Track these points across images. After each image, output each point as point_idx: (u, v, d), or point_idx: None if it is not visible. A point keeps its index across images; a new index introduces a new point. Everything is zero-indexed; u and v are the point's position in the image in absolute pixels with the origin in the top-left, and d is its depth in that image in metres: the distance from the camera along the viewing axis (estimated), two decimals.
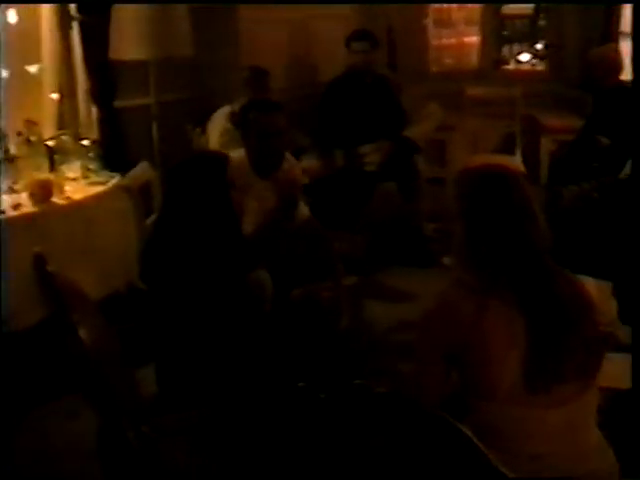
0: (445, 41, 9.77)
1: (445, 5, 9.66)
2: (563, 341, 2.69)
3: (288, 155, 4.88)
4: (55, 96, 6.64)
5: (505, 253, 2.76)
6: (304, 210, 4.99)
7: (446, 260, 6.57)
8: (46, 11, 6.63)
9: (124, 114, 6.89)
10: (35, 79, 6.59)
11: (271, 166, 4.65)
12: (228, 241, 3.45)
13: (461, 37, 9.81)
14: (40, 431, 4.71)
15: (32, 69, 6.53)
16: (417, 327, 2.92)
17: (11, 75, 6.34)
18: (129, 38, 6.15)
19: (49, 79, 6.69)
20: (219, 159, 3.56)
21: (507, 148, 8.11)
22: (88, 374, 3.03)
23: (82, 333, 2.96)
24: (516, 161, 7.20)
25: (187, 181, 3.41)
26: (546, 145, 7.85)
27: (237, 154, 4.52)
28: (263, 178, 4.69)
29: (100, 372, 3.01)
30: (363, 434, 2.37)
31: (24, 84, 6.54)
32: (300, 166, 5.24)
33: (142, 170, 5.64)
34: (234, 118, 6.26)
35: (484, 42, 9.29)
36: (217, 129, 6.28)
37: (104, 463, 3.35)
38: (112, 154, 6.12)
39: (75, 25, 6.64)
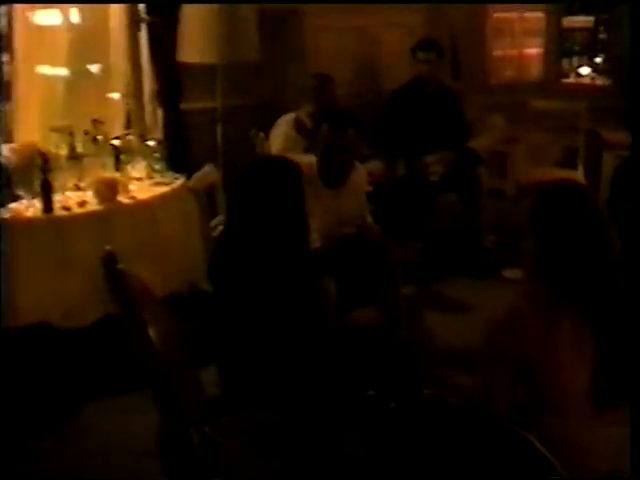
0: (505, 52, 9.70)
1: (505, 15, 9.59)
2: (632, 358, 2.67)
3: (357, 164, 4.91)
4: (116, 96, 6.71)
5: (577, 267, 2.74)
6: (368, 219, 5.01)
7: (505, 272, 6.54)
8: (115, 12, 6.71)
9: (189, 116, 6.95)
10: (97, 79, 6.67)
11: (339, 178, 4.69)
12: (297, 247, 3.45)
13: (521, 49, 9.74)
14: (96, 428, 4.73)
15: (94, 69, 6.61)
16: (485, 339, 2.91)
17: (73, 74, 6.43)
18: (197, 41, 6.19)
19: (113, 79, 6.78)
20: (295, 166, 3.57)
21: (569, 162, 8.04)
22: (156, 373, 3.06)
23: (151, 332, 2.98)
24: (578, 176, 7.15)
25: (264, 184, 3.42)
26: (608, 161, 7.76)
27: (305, 160, 4.55)
28: (330, 187, 4.72)
29: (168, 371, 3.03)
30: (434, 445, 2.36)
31: (87, 83, 6.62)
32: (366, 176, 5.25)
33: (208, 172, 5.68)
34: (298, 125, 6.30)
35: (546, 54, 9.23)
36: (281, 135, 6.31)
37: (164, 462, 3.37)
38: (176, 155, 6.16)
39: (143, 27, 6.72)
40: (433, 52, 7.03)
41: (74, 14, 6.48)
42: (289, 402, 3.18)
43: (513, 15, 9.35)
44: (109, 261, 3.15)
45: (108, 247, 3.22)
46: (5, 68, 6.41)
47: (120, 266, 3.13)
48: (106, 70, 6.72)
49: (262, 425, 3.16)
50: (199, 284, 5.45)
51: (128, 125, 6.83)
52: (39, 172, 5.08)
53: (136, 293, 3.10)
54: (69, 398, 5.00)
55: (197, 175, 5.56)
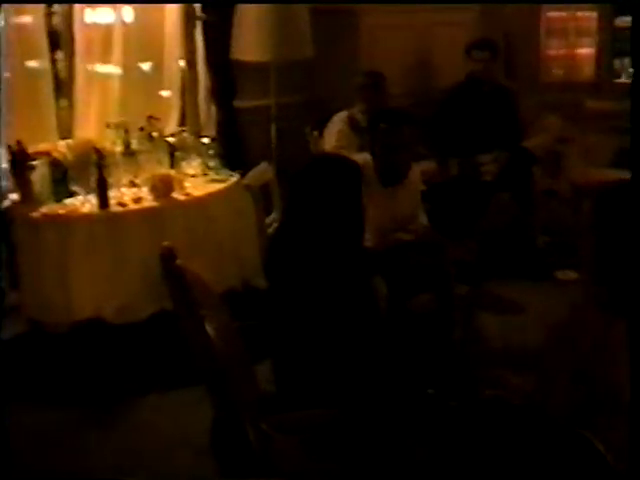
0: (558, 52, 9.61)
1: (558, 14, 9.51)
2: None
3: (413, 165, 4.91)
4: (167, 93, 6.75)
5: (636, 269, 2.71)
6: (423, 219, 4.99)
7: (558, 274, 6.49)
8: (169, 10, 6.75)
9: (243, 114, 6.97)
10: (149, 76, 6.71)
11: (396, 177, 4.69)
12: (353, 246, 3.44)
13: (573, 48, 9.65)
14: (149, 423, 4.75)
15: (145, 67, 6.65)
16: (545, 340, 2.89)
17: (126, 72, 6.48)
18: (251, 40, 6.21)
19: (165, 77, 6.82)
20: (354, 164, 3.56)
21: (622, 163, 7.95)
22: (213, 369, 3.06)
23: (209, 329, 2.99)
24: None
25: (323, 182, 3.41)
26: None
27: (361, 158, 4.55)
28: (386, 186, 4.72)
29: (225, 368, 3.03)
30: (494, 444, 2.35)
31: (139, 81, 6.66)
32: (420, 176, 5.24)
33: (263, 170, 5.69)
34: (352, 123, 6.29)
35: (598, 54, 9.14)
36: (335, 133, 6.30)
37: (218, 457, 3.37)
38: (230, 153, 6.18)
39: (199, 24, 6.76)
40: (487, 51, 6.98)
41: (127, 12, 6.54)
42: (344, 399, 3.18)
43: (566, 15, 9.25)
44: (168, 257, 3.15)
45: (167, 243, 3.21)
46: (60, 65, 6.50)
47: (179, 262, 3.13)
48: (157, 68, 6.76)
49: (317, 422, 3.15)
50: (252, 281, 5.48)
51: (182, 122, 6.88)
52: (95, 168, 5.13)
53: (195, 289, 3.10)
54: (123, 394, 5.02)
55: (253, 172, 5.57)
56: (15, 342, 5.66)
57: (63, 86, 6.53)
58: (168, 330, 5.06)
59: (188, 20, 6.80)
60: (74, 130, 6.43)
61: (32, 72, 6.40)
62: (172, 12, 6.79)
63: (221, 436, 3.35)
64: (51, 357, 5.35)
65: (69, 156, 5.34)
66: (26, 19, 6.30)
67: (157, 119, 5.86)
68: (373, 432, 3.04)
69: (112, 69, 6.53)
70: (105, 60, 6.50)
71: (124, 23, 6.53)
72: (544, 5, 8.87)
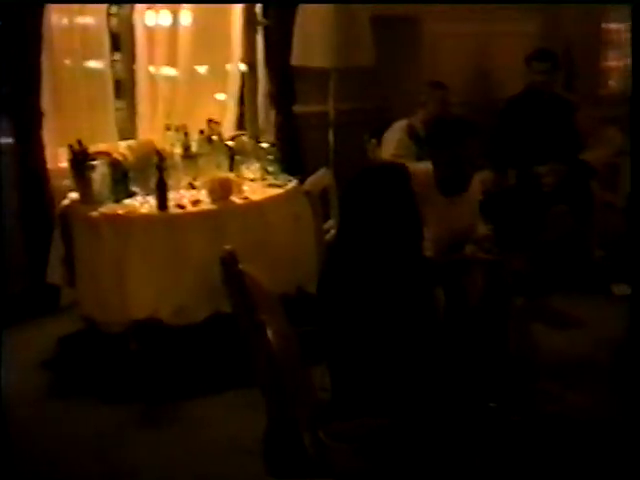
0: (617, 63, 9.54)
1: (614, 25, 9.43)
2: None
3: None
4: (222, 97, 6.78)
5: None
6: (482, 229, 4.97)
7: (614, 288, 6.42)
8: (227, 14, 6.80)
9: (302, 119, 6.99)
10: (204, 79, 6.76)
11: (457, 187, 4.67)
12: (412, 255, 3.43)
13: (627, 60, 9.57)
14: (202, 424, 4.77)
15: (201, 70, 6.69)
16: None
17: (182, 74, 6.54)
18: (312, 46, 6.22)
19: (220, 80, 6.86)
20: (405, 171, 3.55)
21: None
22: (271, 374, 3.07)
23: (269, 334, 2.99)
24: None
25: (375, 189, 3.41)
26: None
27: (423, 167, 4.54)
28: (446, 196, 4.70)
29: (283, 373, 3.03)
30: (559, 461, 2.33)
31: (195, 84, 6.71)
32: (480, 184, 5.21)
33: (322, 176, 5.69)
34: (411, 132, 6.28)
35: None
36: (394, 141, 6.30)
37: (269, 461, 3.38)
38: (289, 158, 6.19)
39: (260, 29, 6.79)
40: (548, 62, 6.93)
41: (185, 16, 6.59)
42: (400, 409, 3.17)
43: (622, 26, 9.18)
44: (230, 261, 3.16)
45: (228, 247, 3.22)
46: (117, 67, 6.58)
47: (241, 266, 3.14)
48: (214, 71, 6.80)
49: (373, 431, 3.14)
50: (306, 287, 5.47)
51: (240, 126, 6.92)
52: (155, 170, 5.16)
53: (255, 294, 3.11)
54: (176, 394, 5.05)
55: (312, 178, 5.58)
56: (71, 340, 5.73)
57: (120, 87, 6.60)
58: (223, 332, 5.13)
59: (249, 25, 6.84)
60: (132, 131, 6.51)
61: (92, 72, 6.48)
62: (232, 16, 6.84)
63: (274, 441, 3.35)
64: (106, 355, 5.39)
65: (130, 157, 5.38)
66: (88, 20, 6.37)
67: (217, 123, 5.88)
68: (429, 444, 3.02)
69: (170, 71, 6.59)
70: (163, 62, 6.56)
71: (182, 26, 6.58)
72: (602, 16, 8.80)
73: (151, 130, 6.44)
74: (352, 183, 3.52)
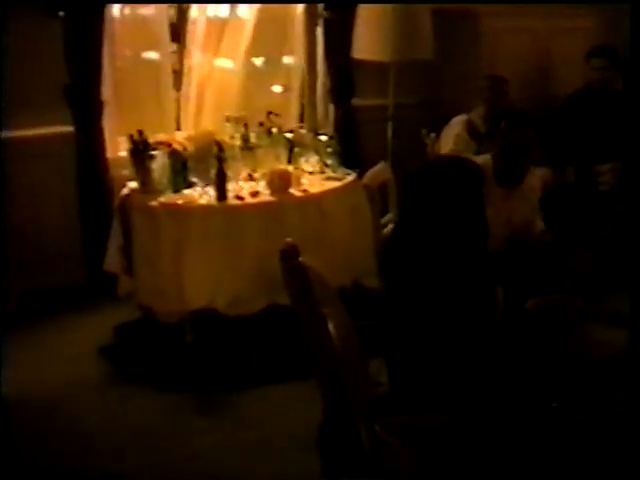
0: None
1: None
2: None
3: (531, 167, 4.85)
4: (279, 89, 6.79)
5: None
6: (540, 225, 4.93)
7: None
8: (289, 6, 6.81)
9: (360, 113, 6.98)
10: (262, 72, 6.77)
11: (515, 178, 4.65)
12: (476, 249, 3.40)
13: None
14: (256, 416, 4.78)
15: (258, 62, 6.71)
16: None
17: (240, 67, 6.56)
18: (372, 39, 6.19)
19: (277, 72, 6.87)
20: (477, 167, 3.53)
21: None
22: (331, 367, 3.06)
23: (330, 327, 2.99)
24: None
25: (446, 185, 3.38)
26: None
27: (481, 159, 4.52)
28: (503, 187, 4.67)
29: (344, 367, 3.03)
30: (619, 459, 2.30)
31: (253, 76, 6.73)
32: (539, 180, 5.17)
33: (381, 169, 5.67)
34: (470, 127, 6.24)
35: None
36: (452, 136, 6.26)
37: (323, 454, 3.37)
38: (347, 151, 6.18)
39: (320, 22, 6.79)
40: (607, 59, 6.83)
41: (243, 7, 6.61)
42: (459, 405, 3.14)
43: None
44: (291, 254, 3.16)
45: (289, 239, 3.22)
46: (174, 58, 6.62)
47: (302, 259, 3.14)
48: (271, 63, 6.81)
49: (431, 427, 3.12)
50: (363, 280, 5.47)
51: (300, 119, 6.93)
52: (215, 161, 5.18)
53: (317, 287, 3.11)
54: (231, 384, 5.07)
55: (371, 172, 5.56)
56: (127, 328, 5.77)
57: (178, 78, 6.64)
58: (278, 325, 5.15)
59: (310, 17, 6.84)
60: (187, 122, 6.54)
61: (151, 63, 6.53)
62: (291, 9, 6.84)
63: (329, 434, 3.35)
64: (162, 344, 5.43)
65: (190, 147, 5.39)
66: (148, 10, 6.41)
67: (277, 115, 5.89)
68: (487, 443, 3.00)
69: (227, 63, 6.61)
70: (219, 54, 6.59)
71: (239, 18, 6.60)
72: None
73: (209, 121, 6.46)
74: (416, 177, 3.50)
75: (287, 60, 6.99)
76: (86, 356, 5.45)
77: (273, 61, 6.86)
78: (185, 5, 6.65)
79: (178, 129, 6.46)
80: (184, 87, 6.65)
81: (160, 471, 4.24)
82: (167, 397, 4.95)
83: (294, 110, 6.93)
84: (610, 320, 5.18)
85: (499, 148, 4.63)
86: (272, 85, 6.88)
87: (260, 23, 6.66)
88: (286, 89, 6.89)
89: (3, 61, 5.61)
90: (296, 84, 7.01)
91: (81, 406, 4.87)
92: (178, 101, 6.65)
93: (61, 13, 5.95)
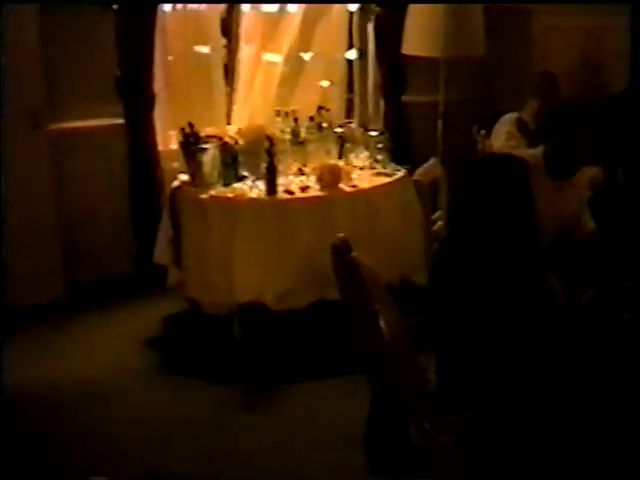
0: None
1: None
2: None
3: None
4: (325, 84, 6.79)
5: None
6: (589, 223, 4.89)
7: None
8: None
9: (410, 109, 6.97)
10: (309, 67, 6.77)
11: (568, 171, 4.62)
12: (527, 246, 3.38)
13: None
14: (297, 409, 4.79)
15: (306, 57, 6.70)
16: None
17: (288, 61, 6.56)
18: (423, 35, 6.16)
19: (325, 67, 6.86)
20: (523, 164, 3.51)
21: None
22: (382, 364, 3.06)
23: (382, 323, 2.98)
24: None
25: (494, 182, 3.36)
26: None
27: (529, 152, 4.51)
28: (554, 180, 4.65)
29: (395, 363, 3.03)
30: None
31: (300, 71, 6.73)
32: (588, 178, 5.13)
33: (432, 166, 5.64)
34: (521, 125, 6.19)
35: None
36: (503, 133, 6.22)
37: (370, 450, 3.37)
38: (396, 147, 6.17)
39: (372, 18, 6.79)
40: None
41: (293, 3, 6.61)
42: (508, 407, 3.13)
43: None
44: (343, 249, 3.16)
45: (341, 235, 3.22)
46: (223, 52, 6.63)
47: (354, 254, 3.13)
48: (319, 58, 6.81)
49: (480, 426, 3.11)
50: (412, 277, 5.46)
51: (349, 114, 6.93)
52: (265, 155, 5.19)
53: (369, 283, 3.10)
54: (279, 378, 5.08)
55: (422, 168, 5.54)
56: (176, 320, 5.81)
57: (225, 72, 6.66)
58: (326, 320, 5.15)
59: (362, 13, 6.83)
60: (237, 116, 6.56)
61: (202, 57, 6.55)
62: (338, 5, 6.83)
63: (377, 430, 3.34)
64: (209, 337, 5.45)
65: (240, 141, 5.40)
66: (199, 5, 6.43)
67: (328, 110, 5.89)
68: (538, 445, 2.98)
69: (275, 58, 6.61)
70: (269, 48, 6.60)
71: (288, 13, 6.60)
72: None
73: (258, 115, 6.48)
74: (471, 174, 3.48)
75: (335, 55, 6.96)
76: (134, 347, 5.50)
77: (321, 56, 6.84)
78: None
79: (228, 123, 6.47)
80: (235, 81, 6.66)
81: (206, 464, 4.25)
82: (214, 390, 4.96)
83: (340, 105, 6.91)
84: None
85: (556, 139, 4.60)
86: (319, 80, 6.85)
87: (308, 18, 6.65)
88: (332, 84, 6.87)
89: (3, 61, 5.63)
90: (342, 79, 6.99)
91: (128, 397, 4.91)
92: (228, 95, 6.66)
93: (114, 6, 5.99)
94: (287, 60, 6.66)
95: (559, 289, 3.67)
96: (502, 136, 6.17)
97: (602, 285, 3.87)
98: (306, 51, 6.75)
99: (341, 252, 3.18)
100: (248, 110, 6.61)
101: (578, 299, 3.77)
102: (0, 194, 5.65)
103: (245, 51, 6.63)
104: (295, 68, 6.72)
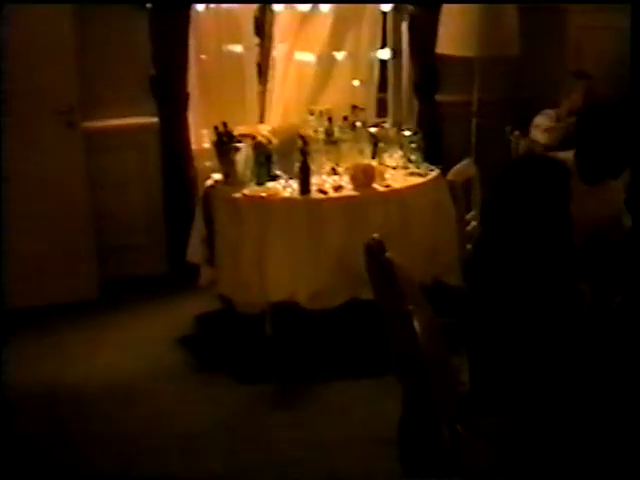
0: None
1: None
2: None
3: None
4: (357, 83, 6.78)
5: None
6: (627, 221, 4.84)
7: None
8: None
9: (444, 108, 6.95)
10: (342, 66, 6.76)
11: (599, 177, 4.57)
12: (562, 248, 3.36)
13: None
14: (329, 410, 4.78)
15: (339, 56, 6.70)
16: None
17: (321, 60, 6.56)
18: (457, 34, 6.16)
19: (362, 66, 6.86)
20: (563, 165, 3.48)
21: None
22: (416, 364, 3.05)
23: (416, 324, 2.97)
24: None
25: (533, 183, 3.34)
26: None
27: (561, 155, 4.47)
28: (587, 184, 4.60)
29: (429, 365, 3.01)
30: None
31: (333, 70, 6.72)
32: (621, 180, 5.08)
33: (466, 166, 5.63)
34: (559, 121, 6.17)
35: None
36: (539, 133, 6.19)
37: (402, 451, 3.36)
38: (430, 146, 6.15)
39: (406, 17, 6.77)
40: None
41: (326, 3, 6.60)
42: (542, 408, 3.11)
43: None
44: (377, 249, 3.15)
45: (376, 235, 3.21)
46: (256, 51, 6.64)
47: (388, 255, 3.12)
48: (352, 57, 6.80)
49: (512, 429, 3.09)
50: (445, 278, 5.44)
51: (380, 113, 6.92)
52: (298, 154, 5.19)
53: (403, 283, 3.09)
54: (312, 378, 5.08)
55: (456, 168, 5.52)
56: (208, 318, 5.82)
57: (259, 71, 6.67)
58: (359, 319, 5.14)
59: (395, 12, 6.82)
60: (270, 115, 6.56)
61: (236, 56, 6.56)
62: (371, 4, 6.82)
63: (409, 431, 3.33)
64: (242, 336, 5.46)
65: (274, 140, 5.40)
66: (233, 4, 6.43)
67: (361, 109, 5.88)
68: (569, 448, 2.97)
69: (308, 57, 6.61)
70: (302, 47, 6.60)
71: (321, 12, 6.59)
72: None
73: (288, 114, 6.48)
74: (507, 173, 3.45)
75: (366, 55, 6.95)
76: (167, 345, 5.51)
77: (353, 55, 6.83)
78: None
79: (262, 122, 6.47)
80: (268, 80, 6.67)
81: (239, 462, 4.26)
82: (245, 389, 4.97)
83: (371, 104, 6.90)
84: None
85: (587, 144, 4.55)
86: (351, 79, 6.85)
87: (341, 17, 6.64)
88: (362, 83, 6.86)
89: (3, 61, 5.66)
90: (374, 78, 6.98)
91: (160, 394, 4.93)
92: (262, 94, 6.66)
93: (148, 5, 6.01)
94: (320, 59, 6.65)
95: (588, 294, 3.65)
96: (538, 135, 6.15)
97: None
98: (339, 50, 6.74)
99: (375, 252, 3.17)
100: (281, 109, 6.61)
101: (609, 303, 3.74)
102: (0, 195, 5.68)
103: (278, 50, 6.63)
104: (328, 67, 6.71)
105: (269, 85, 6.65)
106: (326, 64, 6.70)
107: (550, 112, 6.30)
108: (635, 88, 4.67)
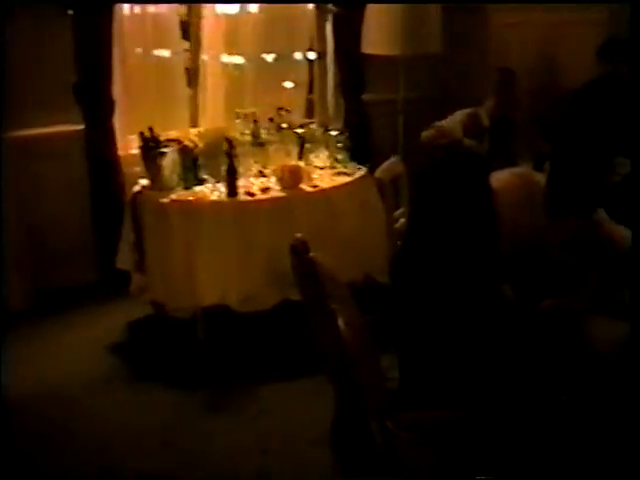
0: None
1: None
2: None
3: None
4: (289, 85, 6.80)
5: None
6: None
7: None
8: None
9: (370, 107, 6.99)
10: (272, 68, 6.78)
11: (565, 211, 4.58)
12: (487, 246, 3.38)
13: None
14: (262, 411, 4.78)
15: (269, 58, 6.71)
16: None
17: (249, 63, 6.57)
18: (381, 34, 6.21)
19: (287, 68, 6.87)
20: (485, 160, 3.52)
21: None
22: (341, 363, 3.06)
23: (340, 322, 2.98)
24: None
25: (456, 178, 3.35)
26: None
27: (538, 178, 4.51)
28: (550, 217, 4.63)
29: (354, 362, 3.03)
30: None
31: (262, 72, 6.74)
32: None
33: (394, 164, 5.67)
34: (473, 119, 6.22)
35: None
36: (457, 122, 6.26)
37: (336, 450, 3.37)
38: (357, 146, 6.18)
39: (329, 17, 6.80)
40: (619, 53, 6.80)
41: (253, 4, 6.61)
42: (470, 401, 3.14)
43: None
44: (301, 249, 3.16)
45: (299, 235, 3.22)
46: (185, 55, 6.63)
47: (312, 254, 3.14)
48: (281, 59, 6.81)
49: (441, 423, 3.12)
50: (375, 275, 5.47)
51: (308, 114, 6.93)
52: (225, 157, 5.18)
53: (326, 282, 3.11)
54: (242, 380, 5.08)
55: (383, 166, 5.56)
56: (139, 325, 5.79)
57: (188, 75, 6.65)
58: (290, 320, 5.15)
59: (320, 13, 6.85)
60: (200, 119, 6.54)
61: (162, 61, 6.53)
62: (298, 5, 6.83)
63: (341, 430, 3.34)
64: (174, 341, 5.44)
65: (200, 144, 5.39)
66: (158, 8, 6.42)
67: (287, 111, 5.90)
68: (497, 437, 3.00)
69: (237, 60, 6.62)
70: (230, 51, 6.59)
71: (250, 14, 6.60)
72: None
73: (218, 118, 6.47)
74: (430, 170, 3.47)
75: (296, 56, 6.97)
76: (99, 353, 5.46)
77: (283, 57, 6.85)
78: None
79: (194, 126, 6.45)
80: (198, 84, 6.65)
81: (174, 466, 4.24)
82: (179, 394, 4.94)
83: (301, 105, 6.92)
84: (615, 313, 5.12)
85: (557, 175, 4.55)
86: (282, 81, 6.87)
87: (269, 19, 6.65)
88: (295, 85, 6.88)
89: (3, 62, 5.60)
90: (303, 80, 7.00)
91: (93, 403, 4.88)
92: (193, 98, 6.65)
93: (70, 11, 5.95)
94: (249, 62, 6.65)
95: (509, 294, 3.68)
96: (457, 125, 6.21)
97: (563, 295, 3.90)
98: (268, 52, 6.75)
99: (299, 252, 3.18)
100: (211, 113, 6.60)
101: (535, 306, 3.79)
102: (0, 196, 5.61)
103: (205, 53, 6.62)
104: (258, 70, 6.72)
105: (199, 89, 6.63)
106: (256, 66, 6.70)
107: (465, 110, 6.36)
108: (636, 89, 4.72)
